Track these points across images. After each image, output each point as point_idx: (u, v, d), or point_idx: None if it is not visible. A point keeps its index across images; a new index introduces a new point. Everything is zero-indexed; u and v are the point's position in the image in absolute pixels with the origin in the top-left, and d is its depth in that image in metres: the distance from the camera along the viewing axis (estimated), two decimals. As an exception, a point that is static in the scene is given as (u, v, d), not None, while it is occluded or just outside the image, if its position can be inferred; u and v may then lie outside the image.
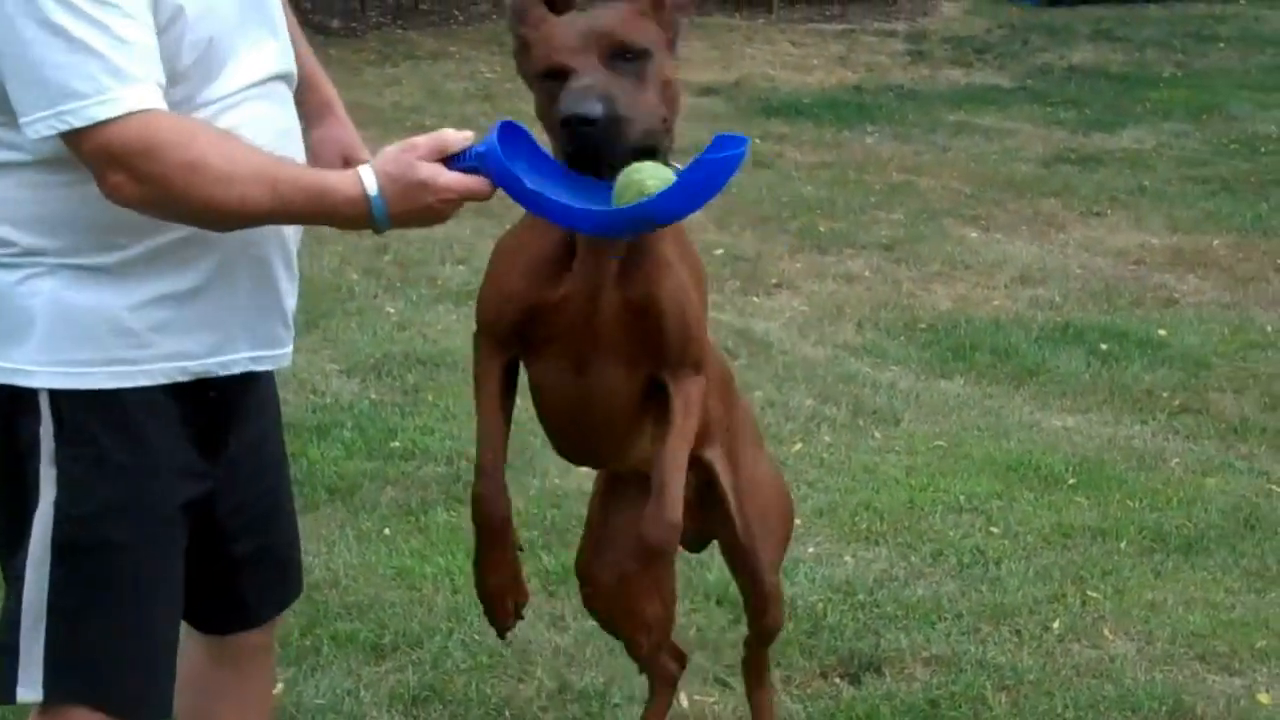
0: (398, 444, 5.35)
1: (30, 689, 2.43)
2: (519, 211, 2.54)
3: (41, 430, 2.38)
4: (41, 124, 2.19)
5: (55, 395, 2.38)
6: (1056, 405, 5.94)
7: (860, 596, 4.38)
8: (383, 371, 6.04)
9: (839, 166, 9.93)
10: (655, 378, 2.70)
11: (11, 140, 2.28)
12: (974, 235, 8.35)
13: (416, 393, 5.83)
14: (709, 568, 4.28)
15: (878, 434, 5.62)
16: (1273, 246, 8.12)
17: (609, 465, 3.08)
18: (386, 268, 7.46)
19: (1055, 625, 4.26)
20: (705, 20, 15.59)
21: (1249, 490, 5.15)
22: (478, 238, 7.95)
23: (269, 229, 2.45)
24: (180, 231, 2.36)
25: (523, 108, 9.12)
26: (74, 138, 2.20)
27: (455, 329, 6.58)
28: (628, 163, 2.37)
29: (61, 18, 2.15)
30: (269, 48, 2.49)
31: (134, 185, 2.21)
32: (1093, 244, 8.22)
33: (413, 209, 2.35)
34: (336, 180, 2.33)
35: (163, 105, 2.22)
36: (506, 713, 3.82)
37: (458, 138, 2.38)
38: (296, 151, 2.58)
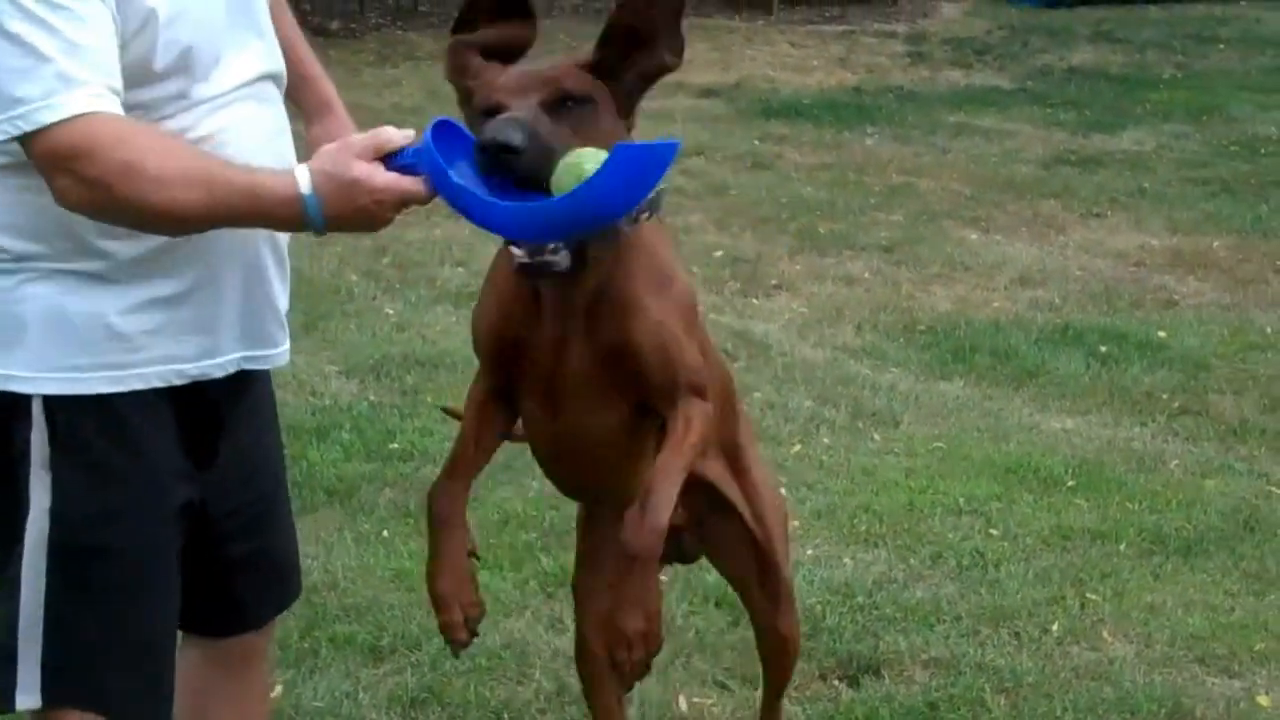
0: (396, 446, 5.35)
1: (29, 695, 2.43)
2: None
3: (34, 436, 2.38)
4: None
5: (49, 401, 2.37)
6: (1056, 407, 5.93)
7: (859, 599, 4.37)
8: (382, 373, 6.04)
9: (839, 168, 9.92)
10: (646, 409, 2.66)
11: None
12: (974, 237, 8.35)
13: (415, 394, 5.83)
14: (708, 569, 4.26)
15: (877, 436, 5.62)
16: (1272, 248, 8.12)
17: (611, 504, 2.88)
18: (385, 269, 7.46)
19: (1054, 627, 4.26)
20: (705, 22, 15.60)
21: (1248, 492, 5.15)
22: (477, 239, 7.95)
23: (259, 231, 2.44)
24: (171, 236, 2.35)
25: (522, 109, 8.80)
26: (26, 142, 2.19)
27: (454, 330, 6.58)
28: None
29: (15, 24, 2.15)
30: (255, 49, 2.49)
31: (77, 188, 2.19)
32: (1092, 245, 8.22)
33: (348, 210, 2.26)
34: (270, 180, 2.26)
35: (110, 108, 2.20)
36: (505, 715, 3.82)
37: (397, 136, 2.30)
38: (288, 151, 2.57)
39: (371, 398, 5.82)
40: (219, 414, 2.57)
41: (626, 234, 2.53)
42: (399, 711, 3.80)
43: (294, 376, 5.78)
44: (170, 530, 2.51)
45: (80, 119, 2.16)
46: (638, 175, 2.24)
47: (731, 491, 3.03)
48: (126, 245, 2.34)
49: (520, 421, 2.79)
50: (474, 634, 2.74)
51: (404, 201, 2.27)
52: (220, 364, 2.50)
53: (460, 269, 7.49)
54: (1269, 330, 6.81)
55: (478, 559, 2.81)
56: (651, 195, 2.56)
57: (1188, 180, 9.66)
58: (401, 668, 3.97)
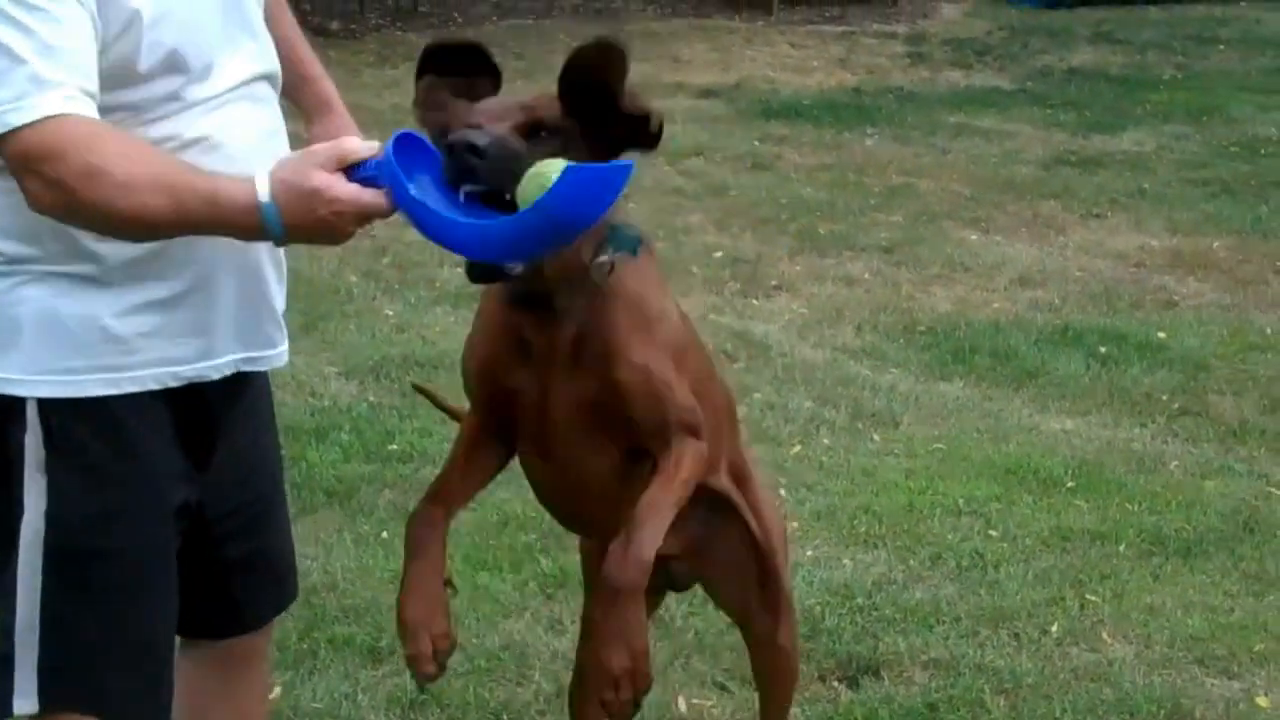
0: (396, 447, 5.35)
1: (26, 700, 2.43)
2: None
3: (28, 439, 2.37)
4: None
5: (44, 404, 2.37)
6: (1056, 408, 5.93)
7: (859, 600, 4.37)
8: (381, 374, 6.04)
9: (839, 169, 9.92)
10: (638, 453, 2.62)
11: None
12: (974, 237, 8.34)
13: (415, 395, 5.82)
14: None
15: (877, 437, 5.62)
16: (1272, 249, 8.12)
17: (607, 539, 2.76)
18: (385, 270, 7.46)
19: (1054, 629, 4.26)
20: (705, 22, 15.61)
21: (1248, 493, 5.15)
22: (477, 240, 7.95)
23: None
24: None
25: (522, 110, 8.81)
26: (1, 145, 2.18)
27: (454, 331, 6.57)
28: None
29: None
30: (249, 49, 2.48)
31: (46, 190, 2.17)
32: (1092, 246, 8.21)
33: (307, 220, 2.20)
34: (231, 187, 2.21)
35: (83, 111, 2.18)
36: (504, 716, 3.82)
37: (360, 147, 2.24)
38: (283, 152, 2.55)
39: (371, 399, 5.82)
40: (216, 416, 2.56)
41: (602, 282, 2.51)
42: (398, 713, 3.81)
43: (293, 377, 5.77)
44: (168, 531, 2.50)
45: (51, 121, 2.15)
46: (592, 192, 2.19)
47: (737, 499, 3.00)
48: (120, 248, 2.33)
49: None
50: (442, 668, 2.65)
51: (363, 214, 2.22)
52: (216, 366, 2.49)
53: (460, 270, 7.43)
54: (1269, 331, 6.81)
55: (453, 590, 2.77)
56: (631, 236, 2.57)
57: (1188, 181, 9.66)
58: (400, 669, 3.95)
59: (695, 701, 3.89)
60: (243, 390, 2.61)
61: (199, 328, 2.44)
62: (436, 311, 6.90)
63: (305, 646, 4.05)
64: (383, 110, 10.59)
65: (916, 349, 6.56)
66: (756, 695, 3.33)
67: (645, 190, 9.21)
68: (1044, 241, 8.29)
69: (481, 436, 2.72)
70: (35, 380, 2.36)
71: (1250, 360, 6.44)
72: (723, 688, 3.93)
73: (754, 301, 7.19)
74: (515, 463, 5.27)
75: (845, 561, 4.62)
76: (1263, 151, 10.48)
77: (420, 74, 2.53)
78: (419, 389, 3.03)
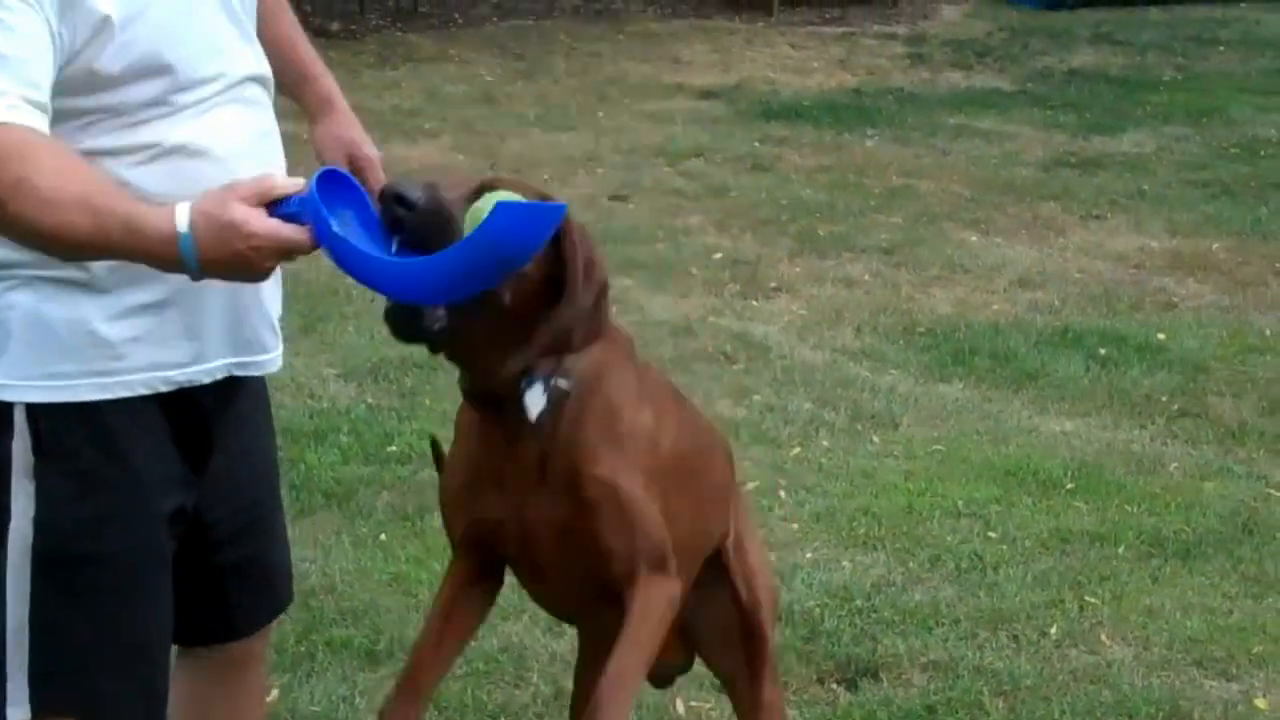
0: (394, 448, 5.34)
1: (18, 708, 2.42)
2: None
3: (15, 444, 2.36)
4: None
5: (32, 409, 2.36)
6: (1055, 409, 5.93)
7: (858, 602, 4.37)
8: (380, 375, 6.03)
9: (838, 170, 9.91)
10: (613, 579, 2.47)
11: None
12: (973, 239, 8.34)
13: (414, 396, 5.82)
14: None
15: (876, 438, 5.62)
16: (1272, 250, 8.11)
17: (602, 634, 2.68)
18: (385, 271, 7.44)
19: (1053, 631, 4.26)
20: (705, 23, 15.59)
21: (1247, 495, 5.15)
22: (476, 241, 7.96)
23: None
24: None
25: (525, 111, 9.15)
26: None
27: (453, 333, 6.57)
28: None
29: None
30: (236, 52, 2.46)
31: None
32: (1092, 248, 8.21)
33: (224, 254, 2.13)
34: (152, 214, 2.14)
35: (23, 121, 2.13)
36: (502, 718, 3.81)
37: (283, 183, 2.17)
38: (275, 154, 2.55)
39: (369, 400, 5.82)
40: (210, 421, 2.55)
41: (561, 395, 2.41)
42: (396, 715, 3.79)
43: (292, 379, 5.77)
44: (160, 536, 2.49)
45: None
46: (521, 230, 2.12)
47: (733, 568, 2.92)
48: None
49: None
50: None
51: (282, 250, 2.15)
52: (208, 370, 2.48)
53: (459, 271, 7.47)
54: (1268, 332, 6.81)
55: None
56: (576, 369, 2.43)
57: (1187, 182, 9.65)
58: (398, 671, 3.95)
59: (694, 704, 3.89)
60: (237, 395, 2.59)
61: (189, 332, 2.43)
62: (436, 313, 6.88)
63: (303, 649, 4.05)
64: (383, 111, 10.60)
65: (916, 350, 6.55)
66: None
67: (645, 191, 9.22)
68: (1044, 243, 8.29)
69: (463, 589, 2.61)
70: (23, 385, 2.35)
71: (1250, 362, 6.44)
72: (722, 690, 3.92)
73: (754, 303, 7.19)
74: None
75: (844, 563, 4.62)
76: (1262, 153, 10.47)
77: None
78: (435, 447, 2.94)
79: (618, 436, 2.46)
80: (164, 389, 2.44)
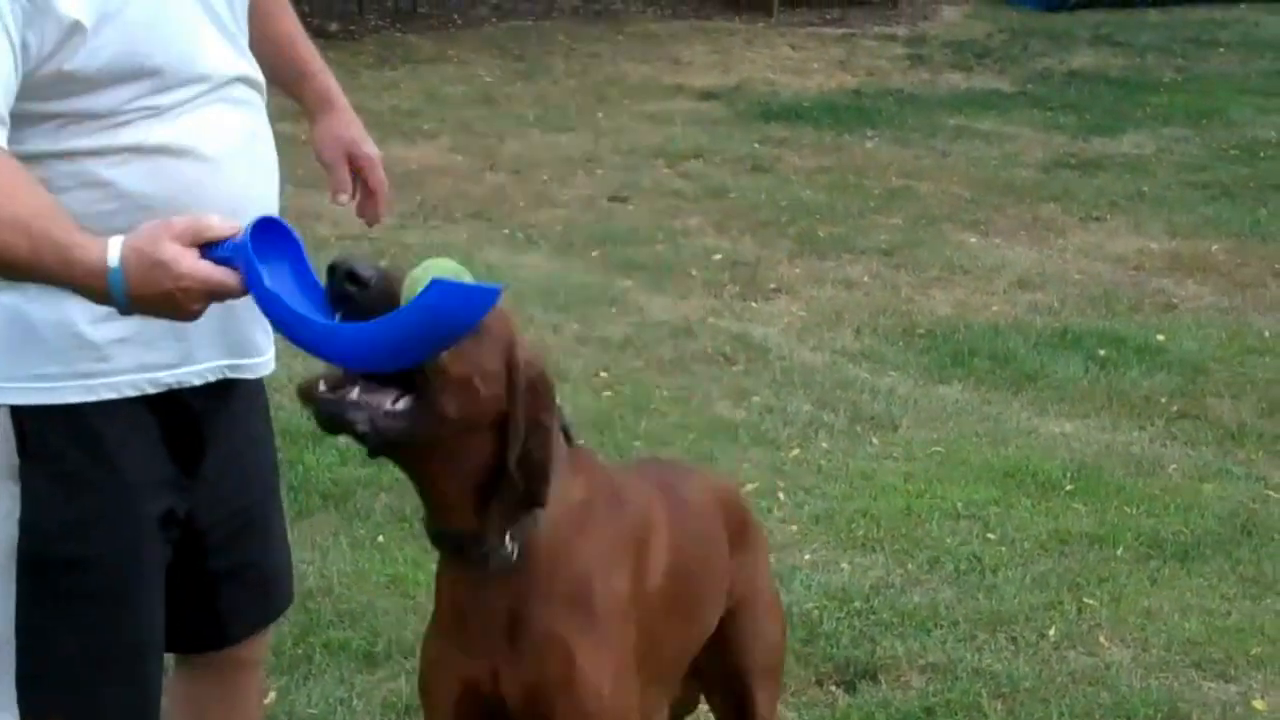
0: (393, 450, 5.33)
1: (7, 713, 2.41)
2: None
3: None
4: None
5: (17, 411, 2.35)
6: (1054, 411, 5.93)
7: (857, 604, 4.37)
8: (379, 377, 6.02)
9: (838, 171, 9.91)
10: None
11: None
12: (973, 240, 8.34)
13: (413, 398, 5.81)
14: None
15: (875, 440, 5.61)
16: (1271, 252, 8.11)
17: None
18: (384, 273, 7.44)
19: (1051, 632, 4.26)
20: (705, 24, 15.59)
21: (1246, 496, 5.14)
22: (475, 243, 7.96)
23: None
24: None
25: (525, 111, 9.12)
26: None
27: (452, 334, 6.57)
28: None
29: None
30: (219, 53, 2.44)
31: None
32: (1092, 249, 8.21)
33: (151, 292, 2.07)
34: (84, 243, 2.08)
35: None
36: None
37: (219, 225, 2.11)
38: (266, 155, 2.54)
39: (369, 401, 5.80)
40: (202, 423, 2.53)
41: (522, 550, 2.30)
42: (393, 718, 3.80)
43: (290, 380, 5.75)
44: (150, 540, 2.48)
45: None
46: (454, 310, 2.05)
47: (727, 624, 2.87)
48: None
49: None
50: None
51: (211, 293, 2.10)
52: (198, 372, 2.47)
53: (459, 272, 7.47)
54: (1267, 334, 6.81)
55: None
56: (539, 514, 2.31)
57: (1187, 184, 9.65)
58: (396, 674, 3.96)
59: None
60: (230, 397, 2.57)
61: (176, 333, 2.39)
62: (435, 314, 6.88)
63: (300, 651, 4.05)
64: (381, 111, 10.60)
65: (915, 352, 6.55)
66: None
67: (645, 192, 9.22)
68: (1043, 244, 8.29)
69: None
70: (7, 387, 2.34)
71: (1249, 363, 6.44)
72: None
73: (753, 304, 7.18)
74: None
75: (843, 565, 4.62)
76: (1262, 154, 10.47)
77: None
78: None
79: (589, 615, 2.35)
80: (152, 390, 2.42)
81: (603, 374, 6.19)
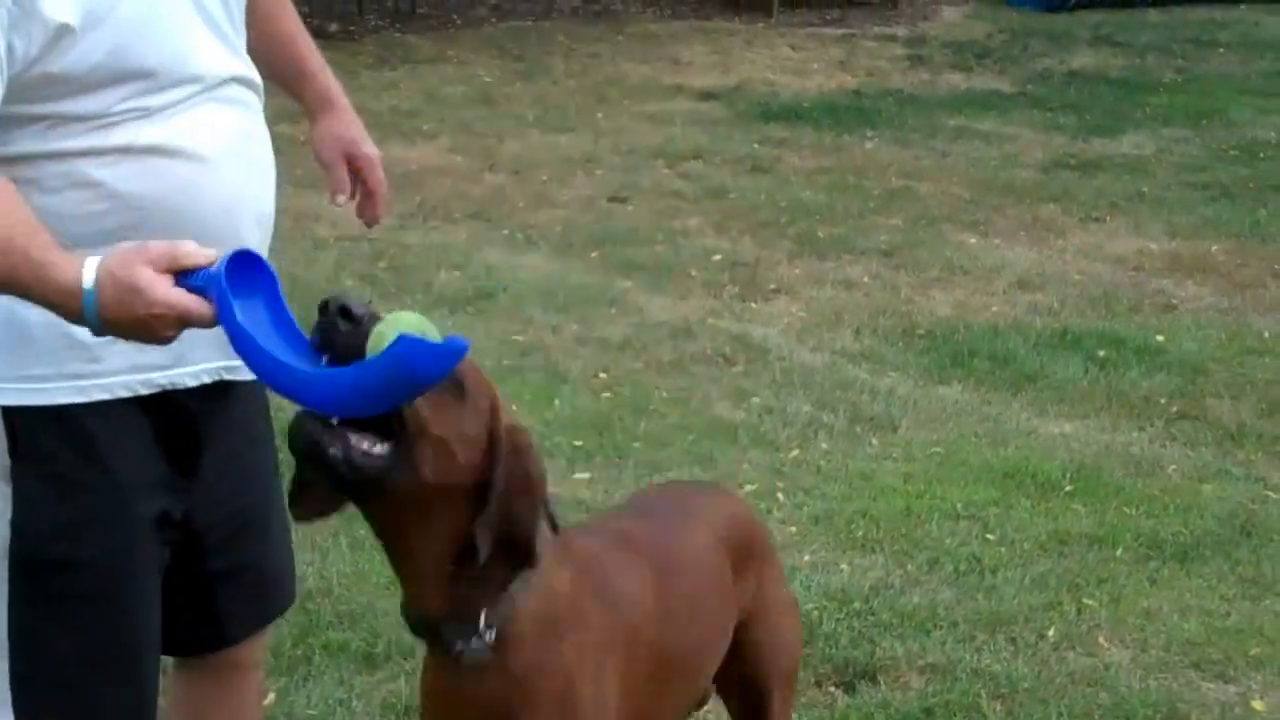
0: (393, 450, 5.32)
1: (4, 712, 2.41)
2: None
3: None
4: None
5: (8, 411, 2.34)
6: (1054, 412, 5.93)
7: (856, 604, 4.37)
8: (378, 378, 6.02)
9: (838, 172, 9.92)
10: None
11: None
12: (973, 241, 8.34)
13: (412, 399, 5.80)
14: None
15: (875, 441, 5.61)
16: (1270, 252, 8.11)
17: None
18: (382, 273, 7.46)
19: (1050, 633, 4.26)
20: (705, 24, 15.60)
21: (1245, 497, 5.15)
22: (474, 244, 7.96)
23: (225, 237, 2.37)
24: (129, 241, 2.29)
25: (524, 112, 9.10)
26: None
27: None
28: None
29: None
30: (213, 54, 2.42)
31: None
32: (1091, 250, 8.21)
33: (124, 316, 2.07)
34: (61, 262, 2.09)
35: None
36: (499, 721, 3.80)
37: (195, 253, 2.10)
38: (261, 156, 2.53)
39: (368, 402, 5.80)
40: (198, 424, 2.52)
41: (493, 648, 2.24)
42: (392, 719, 3.79)
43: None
44: (143, 541, 2.46)
45: None
46: (418, 365, 2.01)
47: (740, 636, 2.85)
48: (86, 254, 2.28)
49: None
50: None
51: (183, 321, 2.09)
52: (192, 373, 2.45)
53: (457, 273, 7.48)
54: (1267, 335, 6.81)
55: None
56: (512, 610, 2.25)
57: (1187, 185, 9.65)
58: (395, 675, 3.96)
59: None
60: (228, 398, 2.56)
61: None
62: (434, 315, 6.80)
63: (299, 652, 4.04)
64: (381, 112, 10.60)
65: (915, 353, 6.55)
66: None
67: (644, 193, 9.22)
68: (1043, 245, 8.29)
69: None
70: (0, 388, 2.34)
71: (1248, 364, 6.44)
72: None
73: (753, 305, 7.18)
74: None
75: (843, 566, 4.62)
76: (1262, 155, 10.48)
77: None
78: None
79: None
80: (144, 391, 2.40)
81: (602, 375, 6.19)
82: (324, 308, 2.06)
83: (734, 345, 6.56)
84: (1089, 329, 6.83)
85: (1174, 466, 5.41)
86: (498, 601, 2.22)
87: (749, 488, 5.04)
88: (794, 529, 4.84)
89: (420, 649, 2.44)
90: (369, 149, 2.87)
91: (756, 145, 10.60)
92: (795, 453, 5.45)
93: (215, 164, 2.36)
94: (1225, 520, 4.95)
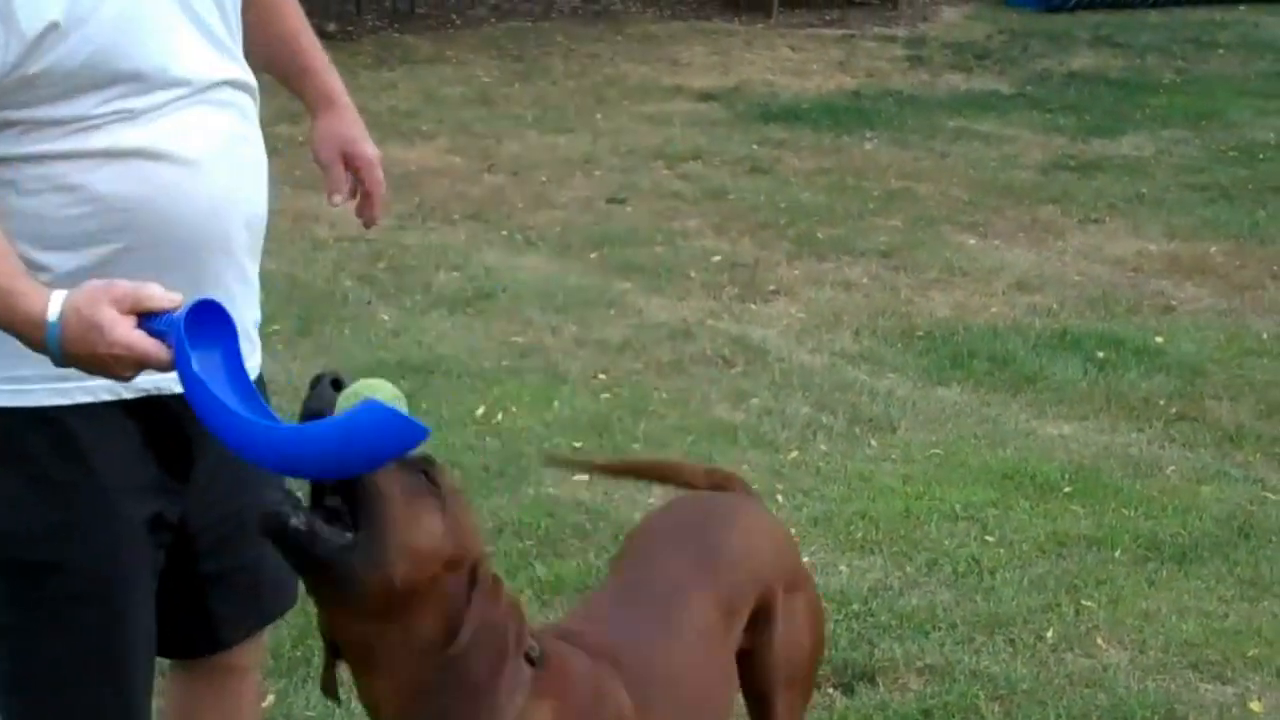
0: (392, 451, 5.32)
1: None
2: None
3: None
4: None
5: None
6: (1053, 413, 5.93)
7: (855, 606, 4.37)
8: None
9: (837, 173, 9.92)
10: None
11: None
12: (972, 242, 8.34)
13: (410, 400, 5.74)
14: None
15: (874, 442, 5.61)
16: (1269, 254, 8.11)
17: None
18: (381, 274, 7.46)
19: (1049, 634, 4.26)
20: (704, 25, 15.60)
21: (1244, 498, 5.15)
22: (473, 245, 7.97)
23: (213, 240, 2.40)
24: (114, 245, 2.31)
25: (523, 112, 9.10)
26: None
27: (449, 336, 6.59)
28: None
29: None
30: (201, 57, 2.40)
31: None
32: (1091, 251, 8.21)
33: (84, 352, 2.09)
34: (28, 292, 2.11)
35: None
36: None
37: (159, 297, 2.10)
38: (254, 157, 2.51)
39: (367, 403, 5.79)
40: (187, 428, 2.51)
41: None
42: None
43: (289, 383, 5.75)
44: (131, 544, 2.45)
45: None
46: (375, 438, 2.00)
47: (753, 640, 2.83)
48: (67, 258, 2.30)
49: None
50: None
51: (141, 363, 2.10)
52: (177, 378, 2.46)
53: (456, 273, 7.49)
54: (1265, 336, 6.81)
55: None
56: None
57: (1186, 186, 9.65)
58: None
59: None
60: None
61: None
62: (432, 316, 6.89)
63: (299, 654, 4.03)
64: (379, 112, 10.60)
65: (914, 354, 6.55)
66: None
67: (643, 193, 9.22)
68: (1042, 246, 8.29)
69: None
70: None
71: (1247, 365, 6.44)
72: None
73: (752, 306, 7.18)
74: (508, 469, 5.27)
75: (841, 568, 4.62)
76: (1261, 156, 10.47)
77: None
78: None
79: None
80: (128, 395, 2.38)
81: (601, 376, 6.20)
82: (317, 378, 2.05)
83: (733, 346, 6.56)
84: (1088, 330, 6.83)
85: (1172, 468, 5.41)
86: None
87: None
88: (793, 530, 4.82)
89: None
90: (368, 149, 2.85)
91: (756, 146, 10.60)
92: (794, 454, 5.45)
93: (202, 167, 2.35)
94: (1224, 522, 4.96)
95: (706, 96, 12.31)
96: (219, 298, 2.38)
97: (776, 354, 6.50)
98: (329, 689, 2.27)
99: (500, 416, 5.63)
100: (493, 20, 15.39)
